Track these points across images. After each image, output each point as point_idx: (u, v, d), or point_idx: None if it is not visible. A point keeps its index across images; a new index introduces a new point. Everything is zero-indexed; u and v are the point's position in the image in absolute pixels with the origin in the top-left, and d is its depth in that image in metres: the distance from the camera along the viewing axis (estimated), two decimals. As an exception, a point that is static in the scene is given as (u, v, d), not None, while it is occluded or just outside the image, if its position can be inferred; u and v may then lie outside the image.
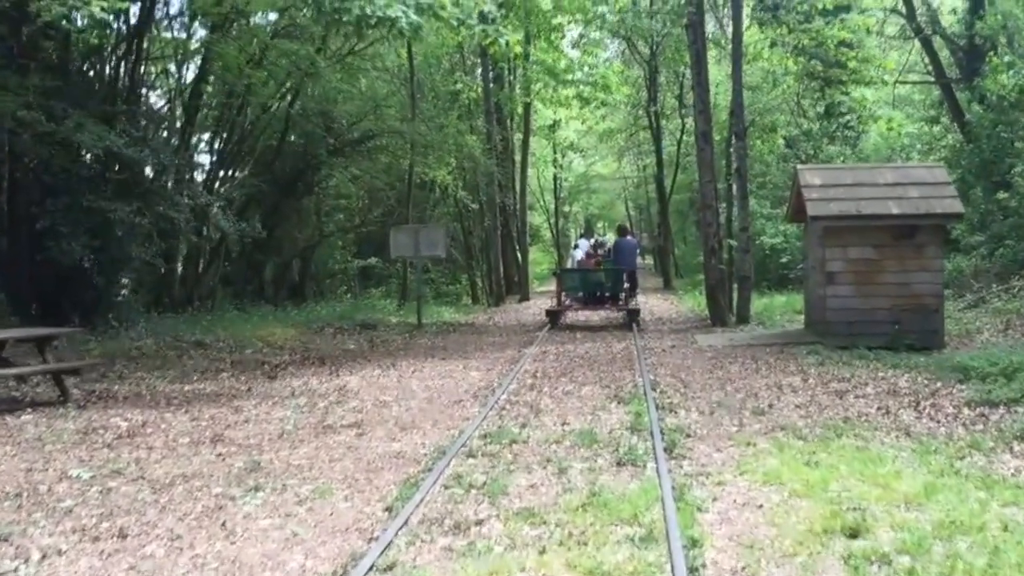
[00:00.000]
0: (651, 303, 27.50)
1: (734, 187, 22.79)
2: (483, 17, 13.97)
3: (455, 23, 13.03)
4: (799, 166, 17.08)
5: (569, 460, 7.85)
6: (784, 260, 29.27)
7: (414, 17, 12.10)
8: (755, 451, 8.14)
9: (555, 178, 49.42)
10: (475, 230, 32.23)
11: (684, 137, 38.95)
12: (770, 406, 10.31)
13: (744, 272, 20.29)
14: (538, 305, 27.88)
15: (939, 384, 11.32)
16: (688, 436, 8.77)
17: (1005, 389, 10.23)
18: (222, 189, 24.15)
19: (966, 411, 9.74)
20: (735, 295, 21.11)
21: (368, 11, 11.93)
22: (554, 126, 39.46)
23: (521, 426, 9.32)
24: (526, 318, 23.57)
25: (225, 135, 23.84)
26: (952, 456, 7.81)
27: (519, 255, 31.51)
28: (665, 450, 8.05)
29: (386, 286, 30.30)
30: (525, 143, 31.34)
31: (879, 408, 10.07)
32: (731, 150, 22.60)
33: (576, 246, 31.62)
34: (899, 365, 12.89)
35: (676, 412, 10.01)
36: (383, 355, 15.70)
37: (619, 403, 10.61)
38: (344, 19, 12.40)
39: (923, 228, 15.14)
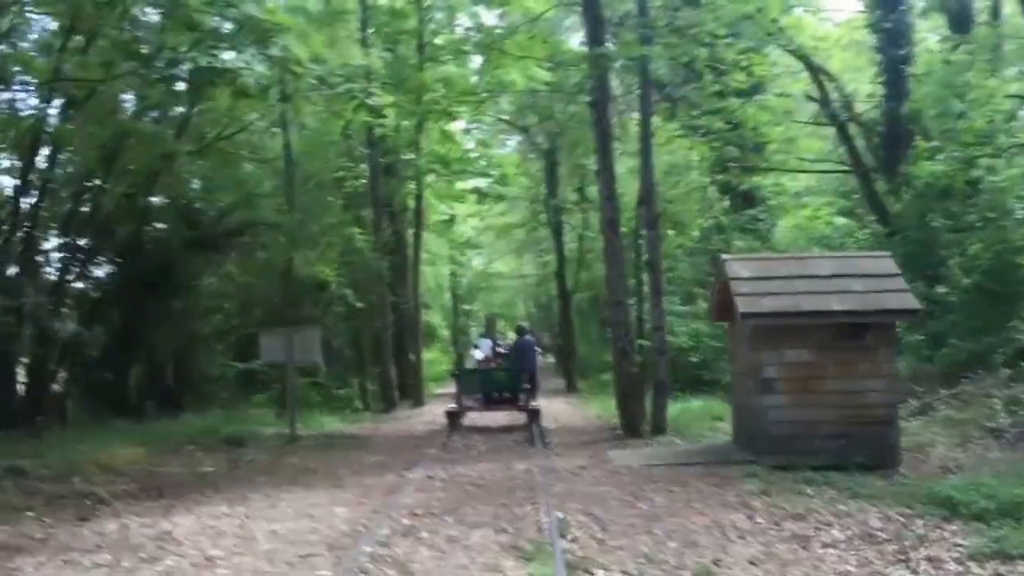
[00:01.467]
0: (555, 408, 25.04)
1: (645, 282, 20.65)
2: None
3: (315, 81, 10.59)
4: (725, 256, 14.91)
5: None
6: (694, 360, 27.16)
7: (260, 68, 9.63)
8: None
9: (452, 275, 47.13)
10: (367, 330, 29.54)
11: (586, 233, 37.03)
12: (716, 562, 7.82)
13: (660, 377, 17.98)
14: (433, 412, 25.19)
15: (922, 524, 8.99)
16: (615, 624, 6.22)
17: (1019, 536, 7.91)
18: (75, 285, 21.23)
19: (976, 570, 7.37)
20: (648, 401, 18.78)
21: (203, 62, 9.42)
22: (450, 221, 37.18)
23: (382, 606, 6.66)
24: (417, 428, 20.84)
25: (78, 227, 20.94)
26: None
27: (412, 357, 28.81)
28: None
29: (270, 392, 27.28)
30: (417, 238, 28.86)
31: (860, 565, 7.65)
32: (640, 242, 20.48)
33: (476, 346, 29.46)
34: (859, 494, 10.56)
35: (593, 574, 7.45)
36: (240, 482, 12.85)
37: (519, 559, 8.02)
38: (177, 73, 9.90)
39: (872, 327, 13.01)
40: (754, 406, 13.57)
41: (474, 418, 21.27)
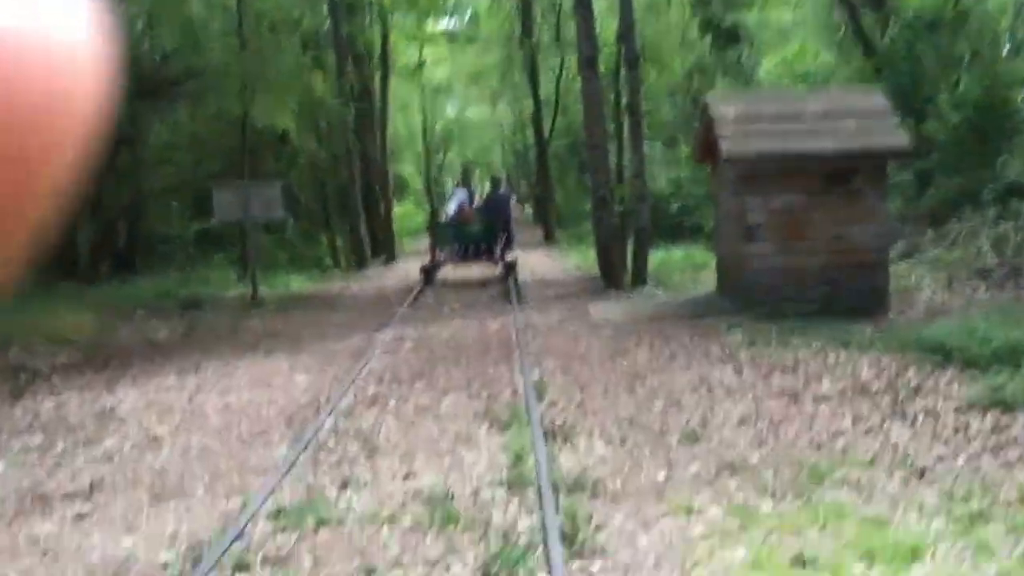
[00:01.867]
0: (532, 260, 24.49)
1: (625, 126, 19.89)
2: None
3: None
4: (709, 95, 14.13)
5: (403, 570, 4.76)
6: (675, 207, 26.59)
7: None
8: (704, 528, 5.18)
9: (424, 124, 45.86)
10: (333, 184, 28.69)
11: (564, 75, 35.87)
12: (703, 423, 7.37)
13: (641, 225, 17.39)
14: (406, 268, 24.58)
15: (915, 372, 8.57)
16: (595, 496, 5.75)
17: (1018, 384, 7.47)
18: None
19: (975, 422, 6.94)
20: (628, 251, 18.27)
21: None
22: (420, 66, 35.88)
23: (341, 485, 6.16)
24: (389, 285, 20.28)
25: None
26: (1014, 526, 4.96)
27: (383, 211, 28.04)
28: (563, 537, 4.98)
29: (230, 252, 26.55)
30: (384, 82, 27.67)
31: (855, 421, 7.20)
32: (620, 83, 19.59)
33: (452, 195, 28.62)
34: (849, 342, 10.14)
35: (573, 443, 7.00)
36: (194, 349, 12.29)
37: (492, 427, 7.54)
38: None
39: (862, 169, 12.39)
40: (739, 254, 13.05)
41: (449, 274, 20.72)
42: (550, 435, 7.14)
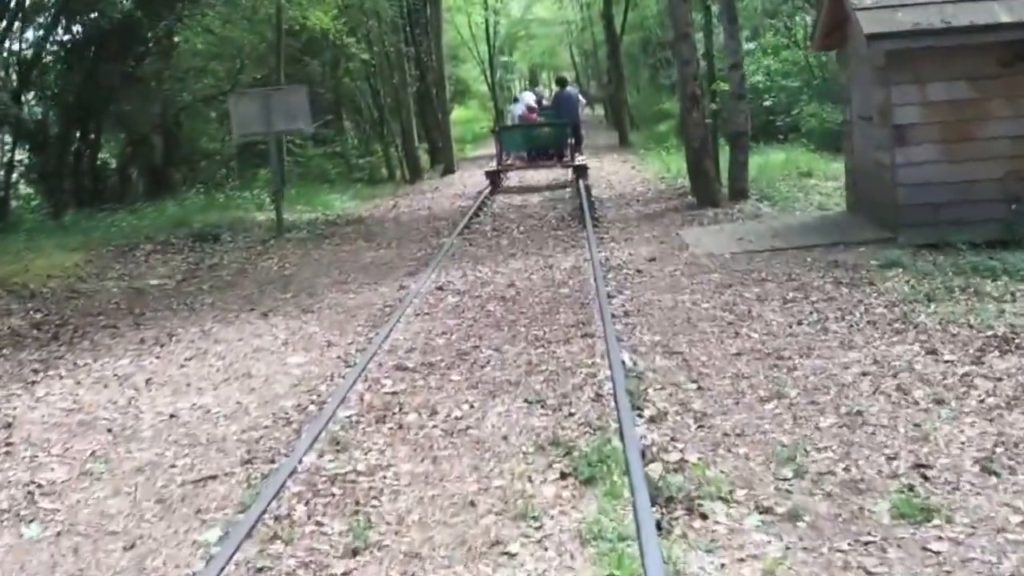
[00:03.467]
0: (607, 168, 21.14)
1: (715, 9, 16.34)
2: None
3: None
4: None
5: None
6: (767, 103, 22.92)
7: None
8: None
9: (487, 23, 42.08)
10: (387, 88, 25.44)
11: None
12: (922, 464, 4.27)
13: (739, 127, 13.99)
14: (464, 180, 21.46)
15: None
16: None
17: None
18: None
19: None
20: (723, 159, 14.94)
21: None
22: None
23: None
24: (442, 204, 17.09)
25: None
26: None
27: (440, 116, 24.71)
28: None
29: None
30: None
31: None
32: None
33: (516, 100, 25.87)
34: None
35: (706, 521, 3.90)
36: (178, 307, 9.34)
37: (566, 482, 4.45)
38: None
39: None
40: (882, 163, 9.70)
41: (513, 183, 18.00)
42: (663, 502, 4.05)
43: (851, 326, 6.69)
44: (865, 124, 10.23)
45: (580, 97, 23.24)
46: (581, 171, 17.90)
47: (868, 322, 6.74)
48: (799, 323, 6.88)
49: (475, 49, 43.88)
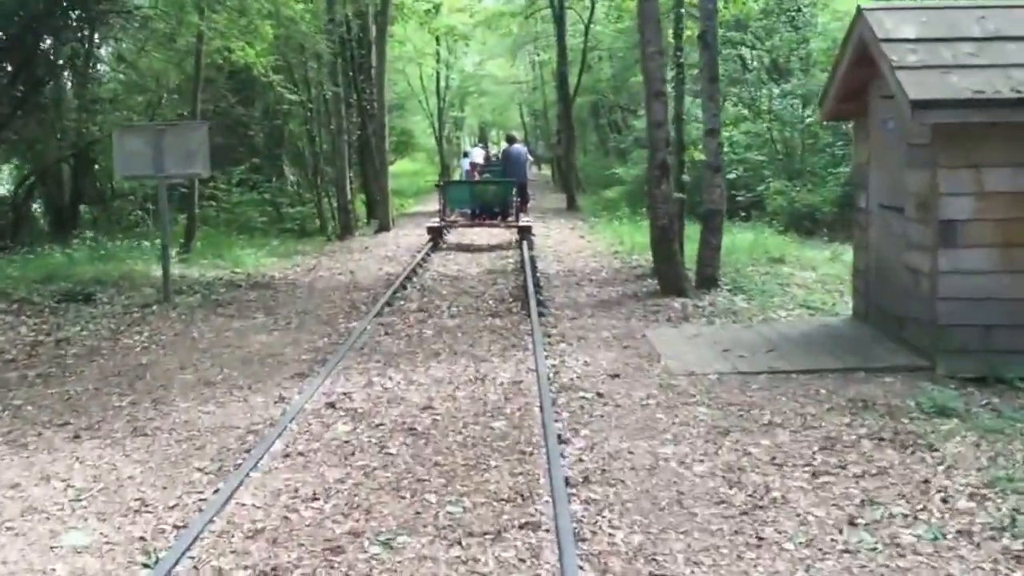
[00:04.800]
0: (555, 236, 18.71)
1: (684, 65, 14.09)
2: None
3: None
4: (864, 5, 8.13)
5: None
6: (730, 178, 20.64)
7: None
8: None
9: (438, 76, 39.75)
10: (326, 136, 22.75)
11: (592, 26, 29.85)
12: None
13: (713, 203, 11.59)
14: (399, 239, 18.88)
15: None
16: None
17: None
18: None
19: None
20: (686, 237, 12.61)
21: None
22: (433, 10, 29.65)
23: None
24: (368, 269, 14.37)
25: None
26: None
27: (378, 168, 22.01)
28: None
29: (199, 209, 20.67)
30: (383, 17, 21.48)
31: None
32: (682, 11, 13.59)
33: (465, 154, 23.93)
34: None
35: None
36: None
37: None
38: None
39: None
40: (915, 267, 7.29)
41: (449, 256, 15.51)
42: None
43: (935, 537, 4.17)
44: (891, 216, 7.81)
45: (528, 156, 21.42)
46: (525, 232, 17.04)
47: (959, 531, 4.24)
48: (851, 522, 4.35)
49: (425, 101, 41.50)
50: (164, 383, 7.17)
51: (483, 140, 57.07)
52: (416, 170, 45.19)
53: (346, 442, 5.60)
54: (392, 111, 33.47)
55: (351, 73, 22.16)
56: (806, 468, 5.11)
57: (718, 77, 11.67)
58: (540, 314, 9.73)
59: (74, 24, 15.21)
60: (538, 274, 13.03)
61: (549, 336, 8.70)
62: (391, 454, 5.37)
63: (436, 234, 17.60)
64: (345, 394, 6.67)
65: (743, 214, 18.96)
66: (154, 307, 10.52)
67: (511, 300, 11.07)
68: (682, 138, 13.20)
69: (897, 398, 6.37)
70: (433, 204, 21.52)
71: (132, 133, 11.26)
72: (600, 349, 8.16)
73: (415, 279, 12.94)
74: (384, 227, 20.53)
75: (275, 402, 6.52)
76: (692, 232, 13.84)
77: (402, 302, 11.02)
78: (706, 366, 7.41)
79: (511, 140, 20.92)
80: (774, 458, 5.28)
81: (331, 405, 6.35)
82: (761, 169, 20.30)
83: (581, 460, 5.26)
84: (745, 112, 23.32)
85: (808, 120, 20.34)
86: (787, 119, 21.04)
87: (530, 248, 15.93)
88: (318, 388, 6.78)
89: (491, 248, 17.47)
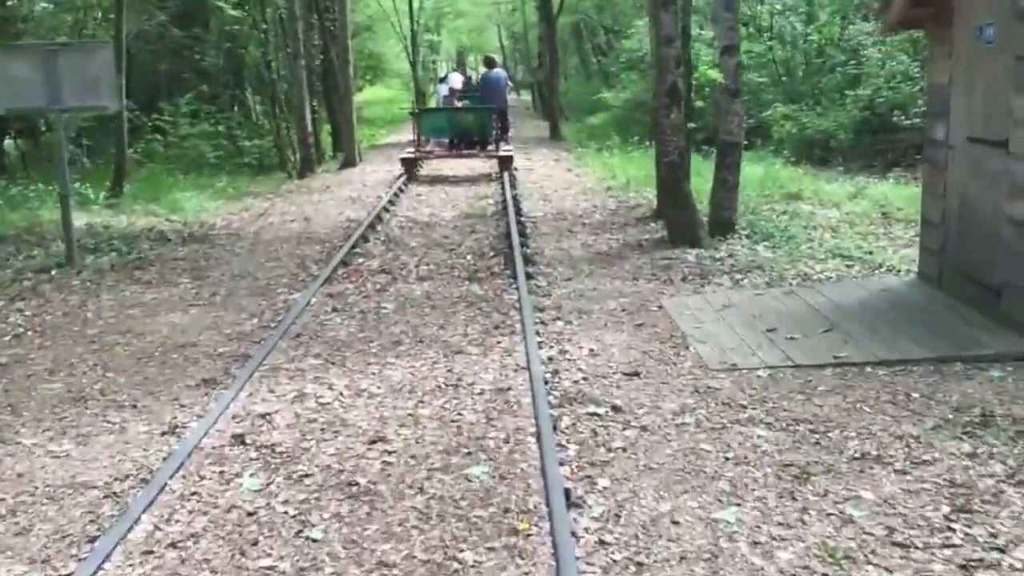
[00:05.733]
0: (540, 170, 16.76)
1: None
2: None
3: None
4: None
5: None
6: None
7: None
8: None
9: (411, -3, 37.09)
10: (285, 61, 20.52)
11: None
12: None
13: (730, 135, 9.70)
14: (366, 176, 16.88)
15: None
16: None
17: None
18: None
19: None
20: (695, 174, 10.73)
21: None
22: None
23: None
24: (326, 214, 12.34)
25: None
26: None
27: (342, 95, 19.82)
28: None
29: (138, 141, 18.46)
30: None
31: None
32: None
33: (443, 79, 22.20)
34: None
35: None
36: None
37: None
38: None
39: None
40: (1019, 217, 5.46)
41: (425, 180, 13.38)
42: None
43: None
44: (986, 152, 5.93)
45: (508, 81, 20.09)
46: (506, 163, 16.00)
47: None
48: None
49: (398, 23, 38.89)
50: (17, 398, 5.26)
51: (461, 64, 54.43)
52: (390, 97, 42.74)
53: (250, 515, 3.73)
54: (360, 33, 31.12)
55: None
56: (946, 550, 3.31)
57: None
58: (528, 275, 7.87)
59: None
60: (522, 218, 11.17)
61: (542, 310, 6.83)
62: (314, 541, 3.51)
63: (410, 165, 16.54)
64: (264, 416, 4.79)
65: (746, 143, 16.97)
66: (53, 272, 8.56)
67: (492, 255, 9.18)
68: (689, 56, 11.20)
69: (1021, 405, 4.60)
70: (408, 134, 19.84)
71: (17, 55, 9.08)
72: (608, 329, 6.31)
73: (379, 227, 11.02)
74: (349, 162, 18.47)
75: (163, 433, 4.63)
76: (697, 166, 12.03)
77: (361, 259, 9.12)
78: (750, 356, 5.59)
79: (490, 64, 19.83)
80: (891, 532, 3.47)
81: (239, 439, 4.46)
82: (761, 93, 18.31)
83: (604, 544, 3.43)
84: (744, 29, 21.20)
85: (810, 37, 18.40)
86: (787, 37, 19.07)
87: (512, 185, 14.04)
88: (228, 406, 4.91)
89: (469, 181, 15.57)
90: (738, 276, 7.85)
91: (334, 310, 7.04)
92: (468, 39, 53.55)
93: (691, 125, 10.56)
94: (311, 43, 20.00)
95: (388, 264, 8.85)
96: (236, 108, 22.94)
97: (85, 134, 17.79)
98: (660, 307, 6.83)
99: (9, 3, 15.93)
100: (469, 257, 9.14)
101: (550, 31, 26.53)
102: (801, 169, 14.30)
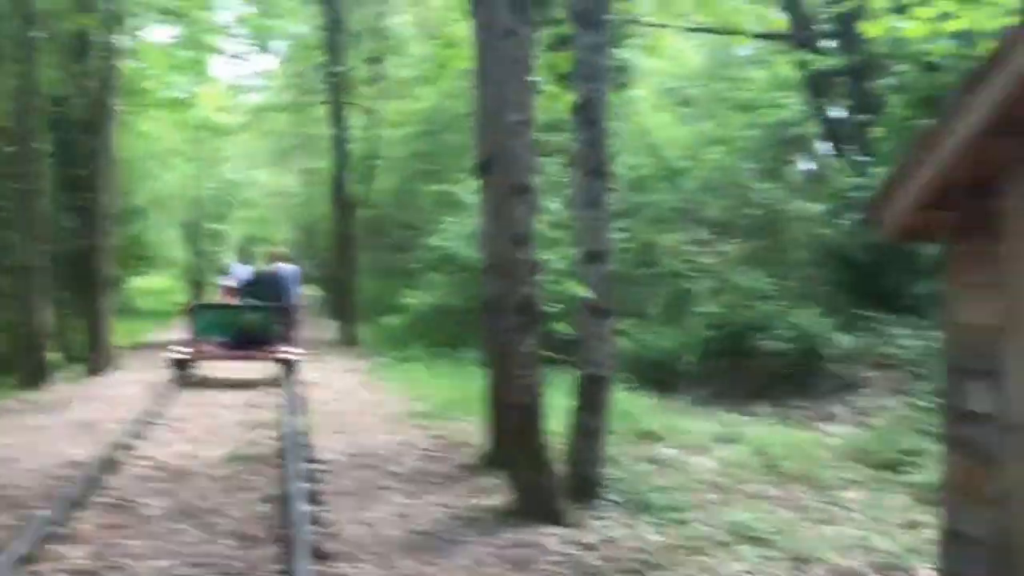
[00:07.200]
0: (335, 385, 13.88)
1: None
2: None
3: None
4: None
5: None
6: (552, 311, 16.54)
7: None
8: None
9: (193, 180, 34.25)
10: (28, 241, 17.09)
11: (375, 133, 25.50)
12: None
13: (597, 366, 7.31)
14: (117, 387, 13.66)
15: None
16: None
17: None
18: None
19: None
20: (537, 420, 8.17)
21: None
22: (182, 102, 24.54)
23: None
24: (43, 449, 8.96)
25: None
26: None
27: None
28: None
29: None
30: (108, 98, 16.14)
31: None
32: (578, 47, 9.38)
33: (229, 273, 20.78)
34: None
35: None
36: None
37: None
38: None
39: None
40: None
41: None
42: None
43: None
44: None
45: (298, 276, 18.60)
46: (290, 368, 14.26)
47: None
48: None
49: (178, 209, 35.81)
50: None
51: (247, 255, 51.57)
52: (167, 287, 39.24)
53: None
54: (134, 218, 27.91)
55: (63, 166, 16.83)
56: None
57: (608, 170, 7.40)
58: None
59: None
60: (314, 464, 8.28)
61: None
62: None
63: (181, 367, 14.71)
64: None
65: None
66: None
67: (265, 541, 6.19)
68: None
69: None
70: (182, 330, 17.65)
71: None
72: None
73: (112, 478, 7.83)
74: (95, 368, 15.03)
75: None
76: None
77: (60, 546, 5.92)
78: None
79: (278, 257, 18.89)
80: None
81: None
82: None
83: None
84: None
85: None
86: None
87: (303, 411, 11.19)
88: None
89: (246, 399, 12.62)
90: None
91: None
92: (256, 229, 50.84)
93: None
94: (60, 225, 16.77)
95: (101, 556, 5.71)
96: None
97: None
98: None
99: None
100: (230, 542, 6.11)
101: (346, 222, 24.30)
102: (646, 396, 12.09)
